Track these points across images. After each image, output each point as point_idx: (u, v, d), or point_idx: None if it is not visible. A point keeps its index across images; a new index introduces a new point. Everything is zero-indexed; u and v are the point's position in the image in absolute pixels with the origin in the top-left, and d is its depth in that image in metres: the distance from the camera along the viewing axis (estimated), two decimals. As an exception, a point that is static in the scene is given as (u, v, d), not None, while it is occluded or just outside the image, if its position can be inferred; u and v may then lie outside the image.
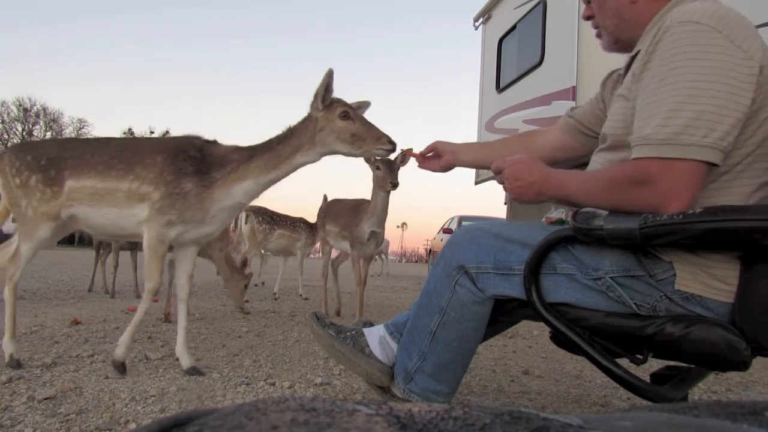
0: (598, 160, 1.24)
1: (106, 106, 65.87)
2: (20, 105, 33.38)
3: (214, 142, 2.17)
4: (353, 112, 1.99)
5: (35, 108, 34.01)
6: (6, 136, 33.32)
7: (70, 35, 65.94)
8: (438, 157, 1.61)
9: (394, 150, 1.98)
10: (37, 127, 34.44)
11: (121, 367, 2.02)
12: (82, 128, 34.32)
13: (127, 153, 2.09)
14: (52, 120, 34.71)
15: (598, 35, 1.28)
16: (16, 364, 2.04)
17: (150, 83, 74.77)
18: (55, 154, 2.13)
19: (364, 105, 2.17)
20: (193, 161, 2.03)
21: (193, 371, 2.08)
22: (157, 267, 2.03)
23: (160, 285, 2.05)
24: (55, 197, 2.09)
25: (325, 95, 1.97)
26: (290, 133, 2.04)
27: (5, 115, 33.35)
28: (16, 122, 33.79)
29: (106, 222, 2.10)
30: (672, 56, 1.00)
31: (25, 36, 60.49)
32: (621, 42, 1.23)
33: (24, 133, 33.54)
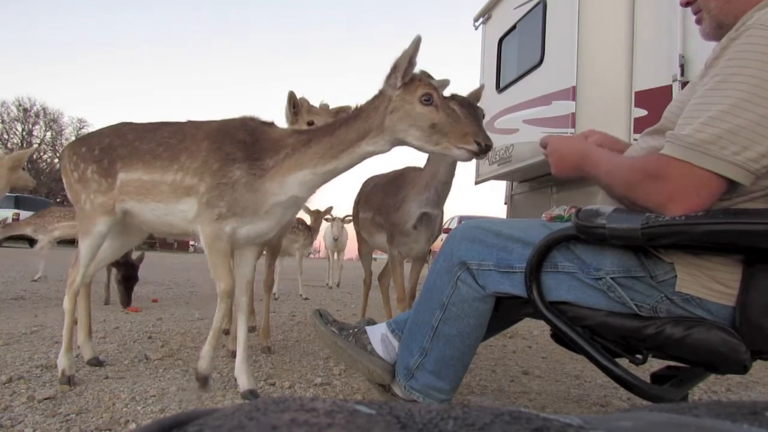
0: (641, 143, 1.22)
1: (106, 105, 65.91)
2: (20, 105, 33.37)
3: (271, 125, 1.89)
4: (439, 96, 1.59)
5: (35, 108, 34.00)
6: (6, 136, 33.33)
7: (69, 34, 66.00)
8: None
9: (481, 155, 1.56)
10: (37, 127, 34.44)
11: (204, 381, 1.79)
12: (82, 128, 34.28)
13: (174, 140, 1.87)
14: (52, 120, 34.68)
15: (698, 21, 1.20)
16: (66, 381, 1.88)
17: (150, 80, 74.82)
18: (107, 143, 1.99)
19: (443, 84, 1.81)
20: (242, 146, 1.76)
21: (250, 395, 1.84)
22: (222, 266, 1.78)
23: (233, 286, 1.82)
24: (110, 189, 1.94)
25: (407, 70, 1.58)
26: (356, 115, 1.67)
27: (5, 115, 33.33)
28: (16, 122, 33.78)
29: (154, 219, 1.92)
30: (737, 59, 0.95)
31: (25, 36, 60.54)
32: (724, 27, 1.12)
33: (24, 133, 33.53)
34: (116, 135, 2.01)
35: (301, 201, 1.85)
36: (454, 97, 2.14)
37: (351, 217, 3.83)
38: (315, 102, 2.47)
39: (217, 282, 1.80)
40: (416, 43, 1.55)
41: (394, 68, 1.59)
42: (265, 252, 2.86)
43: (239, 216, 1.74)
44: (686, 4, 1.22)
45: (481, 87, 2.56)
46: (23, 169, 4.02)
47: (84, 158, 2.00)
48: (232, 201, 1.72)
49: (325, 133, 1.71)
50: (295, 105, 2.46)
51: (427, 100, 1.56)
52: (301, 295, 5.81)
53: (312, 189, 1.78)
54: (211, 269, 1.79)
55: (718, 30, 1.14)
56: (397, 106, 1.59)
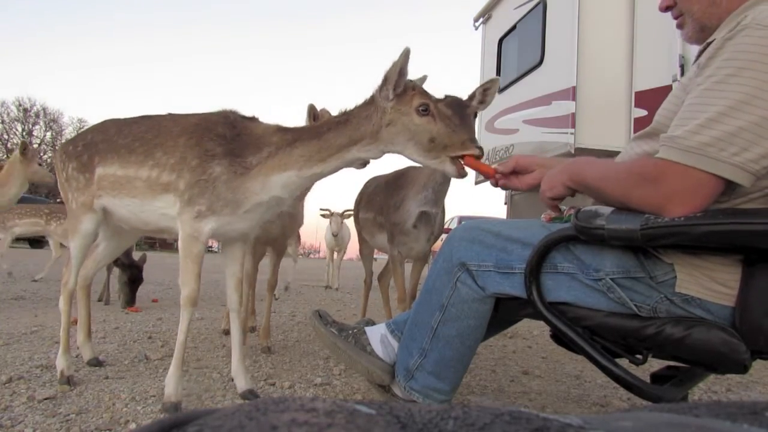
0: (634, 147, 1.22)
1: (107, 104, 65.87)
2: (20, 105, 33.37)
3: (253, 119, 1.80)
4: (435, 106, 1.52)
5: (35, 108, 34.00)
6: (6, 136, 33.33)
7: (69, 34, 66.02)
8: (520, 174, 1.34)
9: (480, 158, 1.51)
10: (37, 127, 34.45)
11: (173, 408, 1.64)
12: (82, 128, 34.13)
13: (150, 134, 1.81)
14: (52, 120, 34.68)
15: (680, 25, 1.19)
16: (66, 381, 1.87)
17: (150, 77, 74.80)
18: (89, 139, 1.97)
19: (421, 81, 1.72)
20: (222, 141, 1.68)
21: (249, 395, 1.81)
22: (192, 270, 1.68)
23: (198, 292, 1.71)
24: (88, 185, 1.91)
25: (398, 81, 1.51)
26: (346, 121, 1.60)
27: (5, 115, 33.32)
28: (16, 122, 33.79)
29: (130, 216, 1.87)
30: (734, 60, 0.94)
31: (25, 35, 60.57)
32: (707, 30, 1.12)
33: (24, 133, 33.51)
34: (99, 130, 1.99)
35: (284, 201, 1.78)
36: (445, 98, 2.09)
37: (350, 212, 3.76)
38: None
39: (182, 287, 1.70)
40: (405, 54, 1.48)
41: (385, 80, 1.52)
42: (268, 252, 2.85)
43: (218, 215, 1.67)
44: (666, 9, 1.21)
45: (495, 80, 2.37)
46: (39, 164, 3.99)
47: (69, 156, 2.00)
48: (212, 199, 1.65)
49: (311, 135, 1.64)
50: (315, 117, 2.39)
51: (425, 110, 1.49)
52: (304, 286, 5.83)
53: (295, 190, 1.72)
54: (181, 272, 1.70)
55: (700, 33, 1.15)
56: (393, 119, 1.52)
